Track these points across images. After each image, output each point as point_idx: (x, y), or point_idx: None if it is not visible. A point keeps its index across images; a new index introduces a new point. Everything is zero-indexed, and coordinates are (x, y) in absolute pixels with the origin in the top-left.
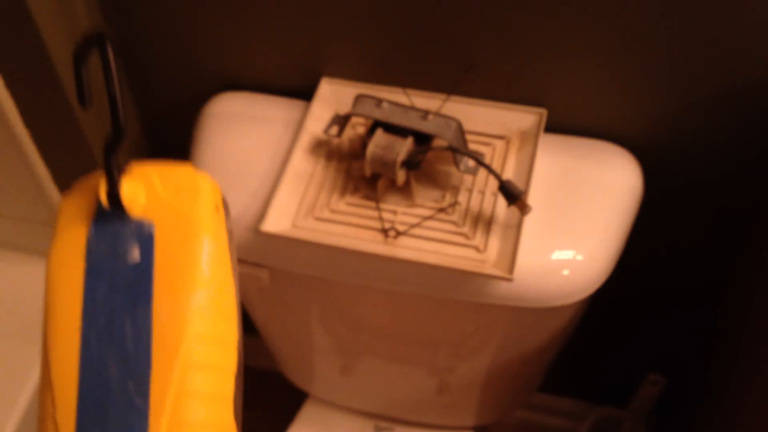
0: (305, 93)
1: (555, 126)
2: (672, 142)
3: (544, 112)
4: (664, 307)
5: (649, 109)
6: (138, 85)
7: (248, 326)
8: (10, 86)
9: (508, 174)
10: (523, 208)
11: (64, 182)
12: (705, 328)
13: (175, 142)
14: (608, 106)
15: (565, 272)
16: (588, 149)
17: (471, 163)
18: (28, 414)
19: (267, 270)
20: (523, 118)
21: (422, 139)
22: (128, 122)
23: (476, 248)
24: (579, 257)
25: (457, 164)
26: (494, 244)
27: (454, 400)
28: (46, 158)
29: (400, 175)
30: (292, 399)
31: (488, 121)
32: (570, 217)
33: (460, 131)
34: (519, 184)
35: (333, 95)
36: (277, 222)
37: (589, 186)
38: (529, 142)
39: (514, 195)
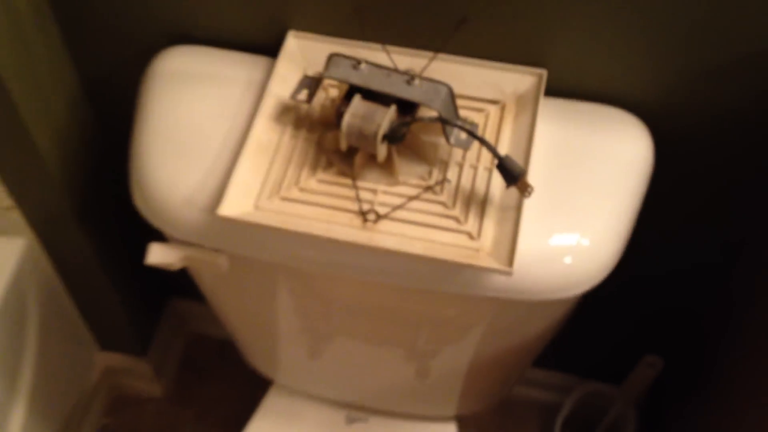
0: (269, 48)
1: (556, 89)
2: (687, 110)
3: (543, 72)
4: (668, 287)
5: (662, 71)
6: (75, 37)
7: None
8: None
9: (504, 146)
10: (525, 189)
11: None
12: (709, 313)
13: (120, 102)
14: (617, 67)
15: (568, 260)
16: (593, 116)
17: (463, 135)
18: None
19: (226, 256)
20: (519, 79)
21: (406, 107)
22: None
23: (469, 234)
24: (584, 242)
25: (446, 136)
26: (489, 230)
27: (433, 388)
28: None
29: (381, 150)
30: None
31: (480, 84)
32: (573, 194)
33: (451, 98)
34: (517, 158)
35: (301, 52)
36: (237, 204)
37: (596, 158)
38: (527, 107)
39: (514, 174)
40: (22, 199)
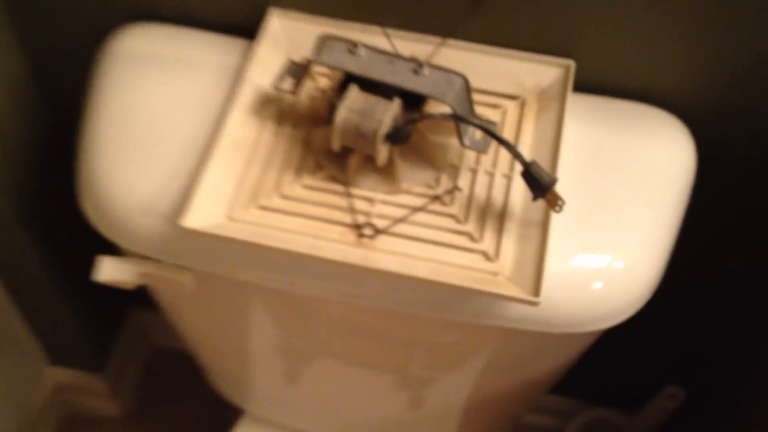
0: (247, 29)
1: (584, 83)
2: (731, 112)
3: (571, 63)
4: (694, 312)
5: (707, 66)
6: (19, 14)
7: None
8: None
9: (525, 149)
10: (555, 202)
11: None
12: (738, 343)
13: (72, 90)
14: (655, 59)
15: (597, 285)
16: (628, 115)
17: (479, 135)
18: None
19: (191, 274)
20: (543, 71)
21: (412, 101)
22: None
23: (485, 254)
24: (617, 264)
25: (460, 137)
26: (509, 249)
27: (428, 422)
28: None
29: (382, 152)
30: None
31: (497, 75)
32: (606, 207)
33: (466, 91)
34: (542, 163)
35: (285, 33)
36: (205, 213)
37: (633, 165)
38: (552, 104)
39: (542, 184)
40: None
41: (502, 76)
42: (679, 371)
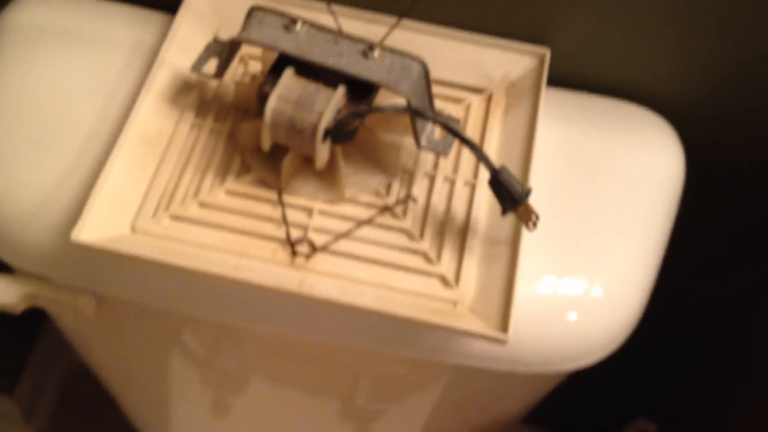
0: (167, 2)
1: (559, 75)
2: (721, 113)
3: (546, 52)
4: (667, 340)
5: (700, 61)
6: None
7: None
8: None
9: (492, 152)
10: (528, 218)
11: None
12: (709, 375)
13: None
14: (640, 50)
15: (572, 316)
16: (610, 114)
17: (438, 133)
18: None
19: (91, 296)
20: (513, 60)
21: (359, 90)
22: None
23: (442, 279)
24: (595, 291)
25: (416, 135)
26: (471, 273)
27: None
28: None
29: (322, 152)
30: None
31: (459, 64)
32: (583, 222)
33: (425, 80)
34: (511, 168)
35: (212, 7)
36: (104, 224)
37: (615, 171)
38: (523, 99)
39: (514, 197)
40: None
41: (466, 64)
42: (650, 404)
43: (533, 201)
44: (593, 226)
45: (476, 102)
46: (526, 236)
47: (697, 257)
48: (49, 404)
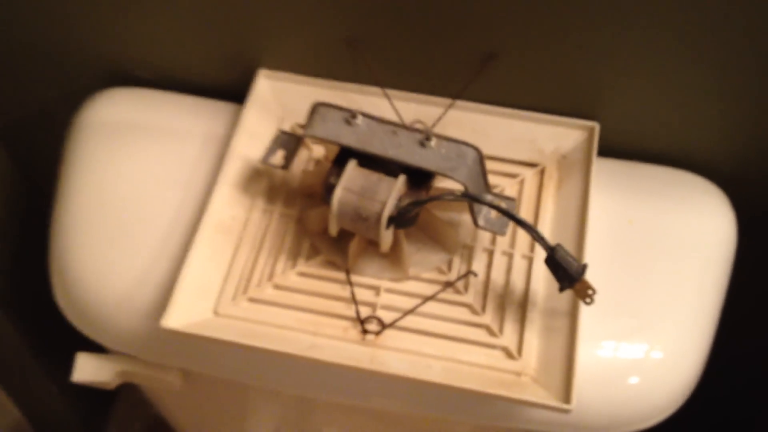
0: (234, 92)
1: (608, 146)
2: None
3: (595, 126)
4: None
5: (747, 127)
6: None
7: None
8: None
9: (546, 225)
10: (584, 293)
11: None
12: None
13: (43, 155)
14: (688, 119)
15: (633, 380)
16: (659, 182)
17: (494, 214)
18: None
19: (178, 373)
20: (563, 134)
21: (419, 177)
22: None
23: (506, 351)
24: (655, 354)
25: (474, 217)
26: (533, 344)
27: None
28: None
29: (386, 237)
30: None
31: (512, 140)
32: (640, 289)
33: (479, 165)
34: (566, 242)
35: (275, 97)
36: (188, 309)
37: (669, 238)
38: (574, 171)
39: (570, 275)
40: None
41: (518, 140)
42: None
43: (589, 270)
44: (649, 293)
45: (529, 176)
46: (585, 306)
47: (752, 312)
48: None
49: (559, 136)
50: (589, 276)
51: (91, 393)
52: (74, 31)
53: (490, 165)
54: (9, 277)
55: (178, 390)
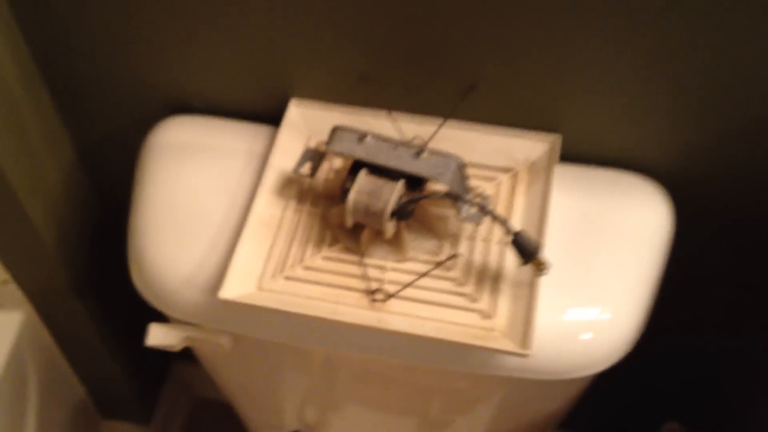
0: (271, 117)
1: (569, 154)
2: (705, 174)
3: (557, 138)
4: (686, 348)
5: (679, 134)
6: (67, 105)
7: None
8: None
9: (517, 217)
10: (540, 267)
11: None
12: (729, 373)
13: (118, 174)
14: (633, 130)
15: (587, 336)
16: (610, 182)
17: (473, 209)
18: None
19: (228, 336)
20: (532, 146)
21: (415, 181)
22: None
23: (482, 313)
24: (604, 316)
25: (457, 210)
26: (504, 308)
27: None
28: None
29: (389, 227)
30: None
31: (491, 151)
32: (592, 266)
33: (461, 171)
34: (531, 230)
35: (304, 121)
36: (239, 285)
37: (614, 227)
38: (540, 175)
39: (528, 252)
40: (17, 272)
41: (497, 151)
42: (678, 407)
43: (551, 252)
44: (600, 269)
45: (505, 180)
46: (549, 279)
47: (702, 277)
48: (179, 431)
49: (529, 147)
50: (551, 257)
51: (145, 376)
52: (145, 70)
53: (473, 171)
54: (85, 271)
55: (226, 352)
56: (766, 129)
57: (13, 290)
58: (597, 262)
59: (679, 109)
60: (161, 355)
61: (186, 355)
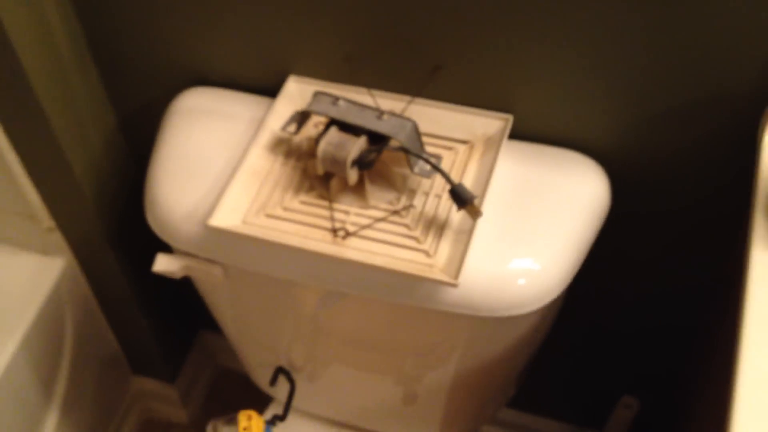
0: (273, 91)
1: (522, 133)
2: (639, 154)
3: (509, 117)
4: (640, 325)
5: (616, 117)
6: (111, 78)
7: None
8: None
9: (468, 179)
10: (474, 213)
11: (36, 172)
12: (683, 350)
13: (148, 136)
14: (576, 114)
15: (521, 281)
16: (553, 157)
17: (427, 166)
18: None
19: (220, 267)
20: (488, 123)
21: (378, 140)
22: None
23: (426, 252)
24: (536, 267)
25: (411, 166)
26: (444, 250)
27: (419, 409)
28: (17, 148)
29: (352, 174)
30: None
31: (453, 126)
32: (529, 225)
33: (416, 132)
34: (477, 190)
35: (299, 93)
36: (226, 217)
37: (552, 194)
38: (492, 148)
39: (464, 199)
40: (61, 220)
41: (458, 126)
42: (636, 383)
43: (494, 211)
44: (535, 228)
45: (462, 150)
46: (491, 234)
47: (637, 254)
48: (200, 395)
49: (485, 123)
50: (495, 215)
51: (173, 337)
52: (175, 50)
53: (436, 141)
54: (119, 225)
55: (220, 282)
56: (688, 117)
57: (58, 237)
58: (534, 222)
59: (614, 96)
60: (189, 320)
61: (211, 324)
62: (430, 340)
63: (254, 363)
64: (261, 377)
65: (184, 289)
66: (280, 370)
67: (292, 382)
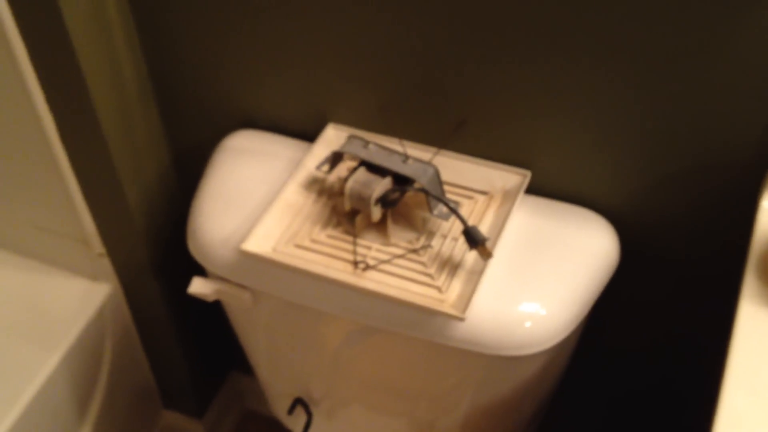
0: (313, 136)
1: (538, 189)
2: (650, 215)
3: (528, 173)
4: (653, 373)
5: (627, 181)
6: (170, 117)
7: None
8: (52, 109)
9: (485, 226)
10: (485, 254)
11: (93, 199)
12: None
13: (197, 172)
14: (589, 176)
15: (527, 324)
16: (566, 213)
17: (444, 209)
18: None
19: (249, 292)
20: (507, 177)
21: (402, 182)
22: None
23: (438, 288)
24: (542, 312)
25: (430, 208)
26: (456, 287)
27: None
28: (78, 176)
29: (375, 211)
30: None
31: (474, 177)
32: (539, 273)
33: (437, 177)
34: (491, 235)
35: (336, 139)
36: (258, 244)
37: (562, 246)
38: (509, 200)
39: (476, 239)
40: (111, 247)
41: (479, 178)
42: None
43: (507, 257)
44: (545, 276)
45: (482, 199)
46: (504, 277)
47: (643, 307)
48: None
49: (505, 177)
50: (508, 260)
51: (204, 376)
52: (228, 95)
53: (457, 190)
54: (164, 256)
55: (247, 306)
56: (692, 181)
57: (107, 264)
58: (544, 270)
59: (623, 162)
60: (221, 359)
61: (242, 366)
62: (444, 381)
63: (275, 392)
64: (280, 407)
65: (218, 327)
66: (298, 401)
67: (309, 414)
